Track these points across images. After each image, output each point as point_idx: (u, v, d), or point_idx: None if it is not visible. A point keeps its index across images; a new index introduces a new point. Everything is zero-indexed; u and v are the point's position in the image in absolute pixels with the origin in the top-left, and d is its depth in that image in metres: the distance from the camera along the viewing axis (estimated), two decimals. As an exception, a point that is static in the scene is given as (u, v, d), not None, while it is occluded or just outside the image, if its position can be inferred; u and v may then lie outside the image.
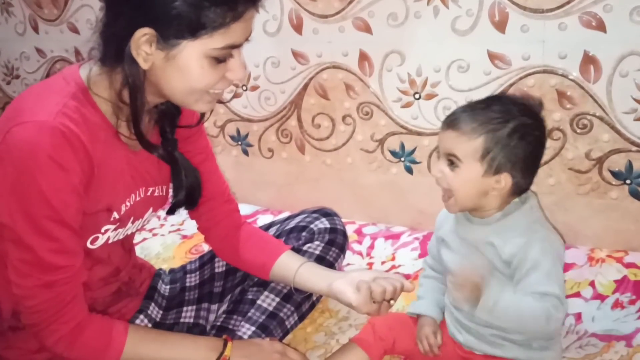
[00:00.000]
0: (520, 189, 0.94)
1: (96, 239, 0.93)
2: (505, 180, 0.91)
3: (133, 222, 0.99)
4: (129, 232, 1.01)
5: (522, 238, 0.91)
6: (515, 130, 0.89)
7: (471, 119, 0.90)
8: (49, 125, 0.79)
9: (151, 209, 1.03)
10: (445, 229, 1.03)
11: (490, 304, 0.88)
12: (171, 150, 1.00)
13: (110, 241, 0.96)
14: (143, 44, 0.82)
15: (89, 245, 0.93)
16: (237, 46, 0.86)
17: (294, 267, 1.07)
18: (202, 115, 1.04)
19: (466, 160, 0.91)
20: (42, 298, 0.86)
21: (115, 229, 0.95)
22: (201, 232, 1.17)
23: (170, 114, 0.99)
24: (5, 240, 0.84)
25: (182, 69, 0.84)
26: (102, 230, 0.93)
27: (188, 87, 0.86)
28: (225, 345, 0.98)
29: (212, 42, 0.82)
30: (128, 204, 0.95)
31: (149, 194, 1.00)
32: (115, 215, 0.93)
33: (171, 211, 1.07)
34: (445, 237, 1.02)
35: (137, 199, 0.97)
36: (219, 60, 0.85)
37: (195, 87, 0.86)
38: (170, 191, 1.06)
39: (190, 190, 1.05)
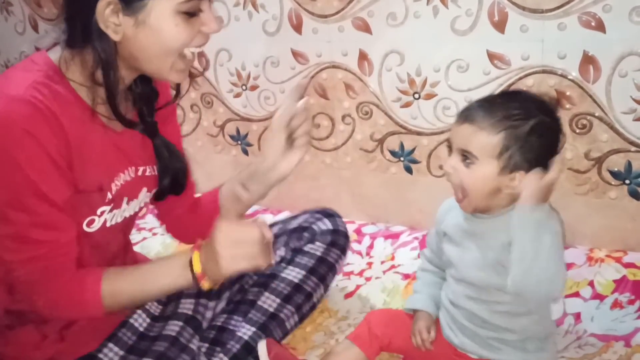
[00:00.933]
0: None
1: (92, 221, 0.93)
2: (519, 179, 0.88)
3: (128, 203, 0.98)
4: (126, 215, 1.00)
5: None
6: (535, 128, 0.87)
7: (490, 114, 0.87)
8: (20, 98, 0.79)
9: (145, 189, 1.02)
10: (448, 222, 1.01)
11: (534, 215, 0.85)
12: (152, 133, 1.00)
13: (108, 224, 0.95)
14: (110, 16, 0.81)
15: (85, 228, 0.92)
16: None
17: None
18: (177, 93, 1.02)
19: (482, 157, 0.87)
20: (25, 270, 0.87)
21: (110, 210, 0.95)
22: (159, 218, 1.17)
23: (147, 97, 0.98)
24: None
25: (156, 30, 0.83)
26: (98, 213, 0.93)
27: (165, 48, 0.85)
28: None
29: None
30: (118, 183, 0.94)
31: (139, 173, 0.99)
32: (109, 195, 0.93)
33: (159, 197, 1.07)
34: (448, 231, 1.01)
35: (128, 178, 0.97)
36: (190, 14, 0.84)
37: (172, 46, 0.85)
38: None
39: (176, 174, 1.04)
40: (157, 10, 0.82)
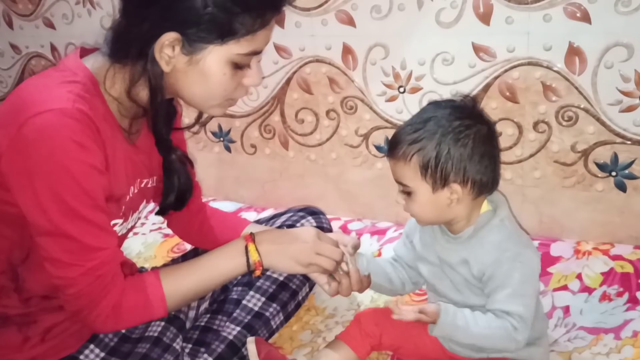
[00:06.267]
0: (485, 187, 0.91)
1: None
2: (457, 189, 0.89)
3: (132, 215, 0.99)
4: (129, 226, 1.01)
5: (492, 256, 0.90)
6: (444, 137, 0.87)
7: (401, 142, 0.90)
8: (69, 112, 0.80)
9: (144, 201, 1.04)
10: (421, 242, 1.01)
11: (449, 319, 0.87)
12: (167, 151, 1.01)
13: None
14: (166, 47, 0.83)
15: None
16: (258, 52, 0.88)
17: None
18: (200, 116, 1.07)
19: (413, 184, 0.90)
20: (85, 283, 0.85)
21: (121, 224, 0.96)
22: (165, 217, 1.19)
23: (168, 116, 0.99)
24: (40, 236, 0.83)
25: (205, 73, 0.86)
26: (111, 224, 0.92)
27: (207, 92, 0.89)
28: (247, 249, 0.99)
29: (238, 47, 0.85)
30: (127, 197, 0.95)
31: (142, 185, 1.00)
32: (123, 208, 0.94)
33: (161, 212, 1.09)
34: (423, 253, 1.01)
35: (135, 191, 0.98)
36: (239, 66, 0.87)
37: (215, 93, 0.89)
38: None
39: (182, 193, 1.05)
40: (213, 55, 0.85)
